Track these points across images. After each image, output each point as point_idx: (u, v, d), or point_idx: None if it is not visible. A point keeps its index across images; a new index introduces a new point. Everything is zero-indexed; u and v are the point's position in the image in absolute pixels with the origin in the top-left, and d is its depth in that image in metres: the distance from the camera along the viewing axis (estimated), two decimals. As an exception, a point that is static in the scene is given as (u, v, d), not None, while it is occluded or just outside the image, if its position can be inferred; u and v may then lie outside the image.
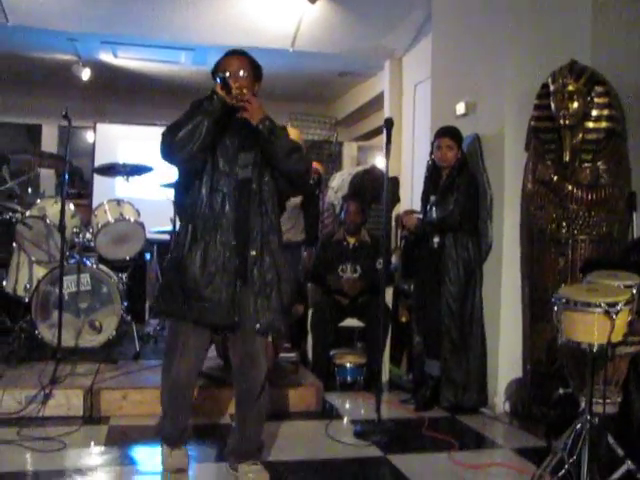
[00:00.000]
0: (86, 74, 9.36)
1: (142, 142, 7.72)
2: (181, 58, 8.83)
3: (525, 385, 4.40)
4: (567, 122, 4.17)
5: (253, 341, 3.17)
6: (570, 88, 4.13)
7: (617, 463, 3.00)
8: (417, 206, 5.30)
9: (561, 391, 3.55)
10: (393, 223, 6.62)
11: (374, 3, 6.79)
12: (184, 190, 3.25)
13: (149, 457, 3.63)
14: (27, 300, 5.18)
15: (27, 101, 10.71)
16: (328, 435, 4.07)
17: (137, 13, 6.93)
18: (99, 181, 8.05)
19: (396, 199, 7.15)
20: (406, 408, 4.70)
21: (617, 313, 2.90)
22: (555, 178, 4.24)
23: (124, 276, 5.60)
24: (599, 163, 4.19)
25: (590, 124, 4.18)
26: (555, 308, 3.11)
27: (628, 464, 2.97)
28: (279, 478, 3.42)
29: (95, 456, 3.66)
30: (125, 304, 5.34)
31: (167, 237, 6.16)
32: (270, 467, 3.38)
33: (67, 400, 4.21)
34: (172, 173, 3.35)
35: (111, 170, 5.66)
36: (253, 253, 3.12)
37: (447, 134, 4.72)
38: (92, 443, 3.84)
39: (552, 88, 4.23)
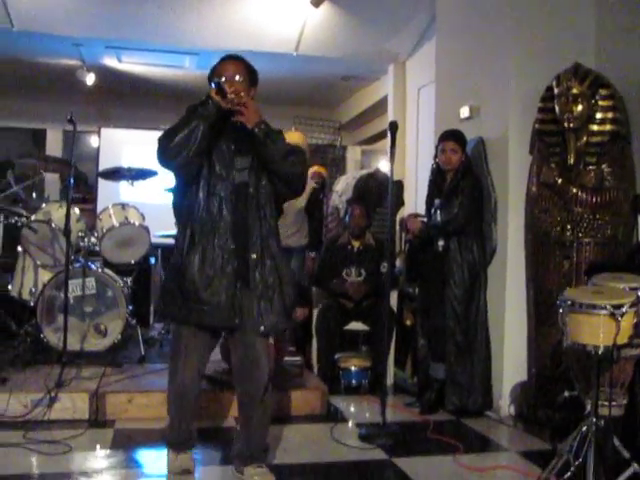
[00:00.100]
0: (90, 79, 9.38)
1: (146, 146, 7.67)
2: (185, 62, 8.85)
3: (530, 388, 4.39)
4: (571, 125, 4.17)
5: (254, 343, 3.19)
6: (574, 91, 4.13)
7: (623, 465, 3.00)
8: (421, 209, 5.31)
9: (566, 394, 3.54)
10: (397, 227, 6.61)
11: (378, 7, 6.80)
12: (182, 194, 3.28)
13: (155, 460, 3.63)
14: (32, 304, 5.20)
15: (32, 106, 10.72)
16: (333, 438, 4.07)
17: (141, 18, 6.95)
18: (104, 185, 8.06)
19: (400, 202, 7.14)
20: (411, 411, 4.71)
21: (622, 315, 2.90)
22: (559, 181, 4.24)
23: (129, 280, 5.61)
24: (603, 166, 4.19)
25: (594, 127, 4.18)
26: (560, 310, 3.12)
27: (634, 467, 2.97)
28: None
29: (101, 459, 3.66)
30: (130, 308, 5.36)
31: (172, 241, 6.14)
32: (275, 470, 3.38)
33: (73, 403, 4.22)
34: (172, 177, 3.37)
35: (116, 174, 5.67)
36: (254, 257, 3.15)
37: (451, 137, 4.72)
38: (98, 446, 3.85)
39: (556, 91, 4.24)
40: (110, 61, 9.14)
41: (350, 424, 4.46)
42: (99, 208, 6.74)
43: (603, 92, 4.18)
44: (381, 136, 10.43)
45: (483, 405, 4.63)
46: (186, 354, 3.23)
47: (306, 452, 3.87)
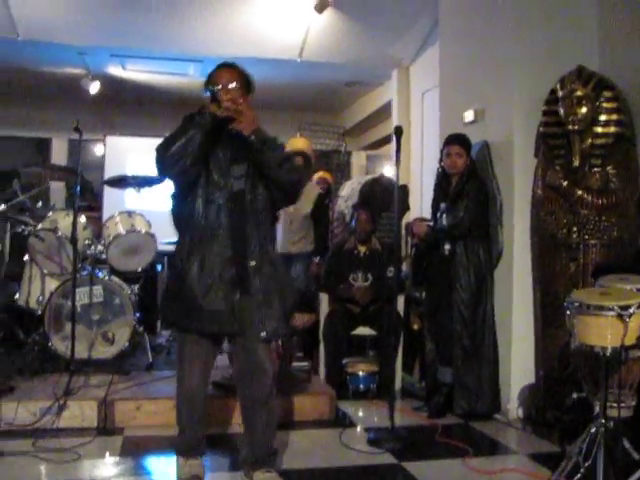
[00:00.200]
0: (95, 87, 9.42)
1: (151, 154, 7.71)
2: (189, 70, 8.88)
3: (538, 390, 4.39)
4: (576, 127, 4.18)
5: (257, 349, 3.21)
6: (578, 93, 4.15)
7: (633, 467, 3.00)
8: (427, 214, 5.31)
9: (575, 395, 3.54)
10: (403, 231, 6.62)
11: (381, 12, 6.82)
12: (180, 202, 3.31)
13: (164, 467, 3.63)
14: (40, 312, 5.21)
15: (37, 115, 10.76)
16: (342, 443, 4.07)
17: (145, 26, 6.98)
18: (109, 193, 8.08)
19: (406, 207, 7.15)
20: (419, 415, 4.70)
21: (630, 316, 2.91)
22: (565, 183, 4.24)
23: (136, 287, 5.62)
24: (608, 168, 4.19)
25: (599, 129, 4.19)
26: (568, 312, 3.12)
27: (644, 468, 2.97)
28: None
29: (110, 467, 3.67)
30: (137, 315, 5.37)
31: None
32: (285, 476, 3.39)
33: (81, 411, 4.22)
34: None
35: (121, 182, 5.69)
36: (253, 263, 3.17)
37: (456, 141, 4.73)
38: (107, 454, 3.85)
39: (560, 94, 4.25)
40: (114, 69, 9.18)
41: (359, 429, 4.46)
42: (105, 216, 6.75)
43: (607, 94, 4.19)
44: (385, 141, 10.42)
45: (491, 408, 4.63)
46: (190, 361, 3.27)
47: (315, 457, 3.87)
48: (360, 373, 5.22)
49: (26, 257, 5.41)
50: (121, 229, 5.47)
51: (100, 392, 4.38)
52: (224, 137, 3.19)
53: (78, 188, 4.75)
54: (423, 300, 5.17)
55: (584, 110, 4.14)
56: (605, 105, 4.18)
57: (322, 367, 5.40)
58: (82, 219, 5.48)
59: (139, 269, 5.57)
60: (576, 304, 3.08)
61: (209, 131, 3.10)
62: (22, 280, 5.46)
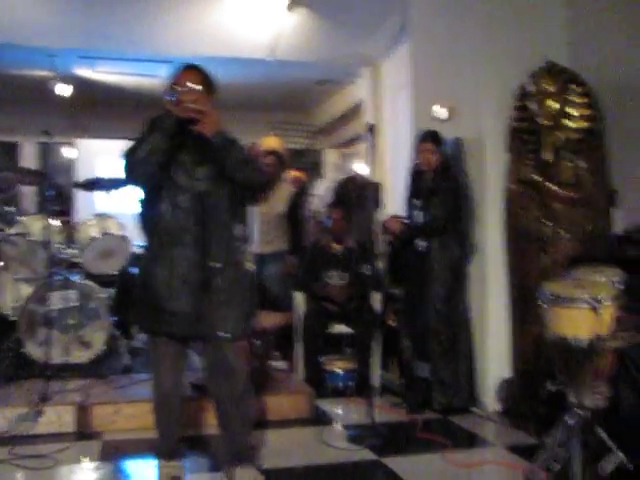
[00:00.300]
0: (64, 89, 9.33)
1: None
2: (160, 71, 8.81)
3: (514, 383, 4.44)
4: (547, 122, 4.23)
5: (223, 349, 3.24)
6: (549, 89, 4.20)
7: (608, 455, 3.04)
8: (401, 211, 5.33)
9: (550, 387, 3.58)
10: (377, 229, 6.63)
11: (351, 11, 6.83)
12: (146, 206, 3.33)
13: (144, 471, 3.62)
14: (14, 318, 5.15)
15: (5, 118, 10.62)
16: (322, 441, 4.09)
17: (115, 27, 6.92)
18: (81, 197, 8.04)
19: (380, 205, 7.17)
20: (398, 411, 4.72)
21: (603, 307, 2.95)
22: (537, 178, 4.28)
23: (111, 291, 5.59)
24: (579, 162, 4.24)
25: (569, 123, 4.23)
26: (542, 304, 3.15)
27: (619, 456, 3.01)
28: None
29: (89, 472, 3.66)
30: (113, 319, 5.33)
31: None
32: (265, 475, 3.42)
33: (58, 417, 4.18)
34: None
35: (93, 185, 5.66)
36: (216, 265, 3.19)
37: (428, 138, 4.76)
38: (85, 459, 3.83)
39: (531, 89, 4.29)
40: (84, 71, 9.10)
41: (338, 426, 4.47)
42: (76, 219, 6.71)
43: (577, 89, 4.24)
44: (358, 139, 10.45)
45: (469, 402, 4.67)
46: (163, 362, 3.30)
47: (296, 456, 3.88)
48: (338, 371, 5.23)
49: (-2, 262, 5.35)
50: (94, 232, 5.44)
51: (77, 397, 4.36)
52: (188, 139, 3.20)
53: (50, 192, 4.71)
54: (399, 297, 5.20)
55: (554, 105, 4.19)
56: (575, 100, 4.23)
57: (300, 366, 5.40)
58: (54, 223, 5.43)
59: (114, 272, 5.53)
60: (549, 296, 3.12)
61: (173, 134, 3.12)
62: (-5, 286, 5.40)
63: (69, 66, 8.82)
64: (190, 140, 3.20)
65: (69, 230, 6.15)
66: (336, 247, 5.65)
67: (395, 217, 5.11)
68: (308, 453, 3.93)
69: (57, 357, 4.91)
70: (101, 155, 8.70)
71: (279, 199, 6.18)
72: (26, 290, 5.23)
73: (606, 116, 4.36)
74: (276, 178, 6.30)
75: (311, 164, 11.10)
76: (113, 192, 5.58)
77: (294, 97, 10.63)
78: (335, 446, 4.00)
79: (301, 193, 6.92)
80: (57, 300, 5.09)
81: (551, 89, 4.19)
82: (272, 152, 6.31)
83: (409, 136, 5.63)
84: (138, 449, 3.93)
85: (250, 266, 6.37)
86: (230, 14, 6.84)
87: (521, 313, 4.37)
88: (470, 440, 4.24)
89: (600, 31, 4.48)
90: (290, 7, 6.71)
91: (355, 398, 5.02)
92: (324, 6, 6.85)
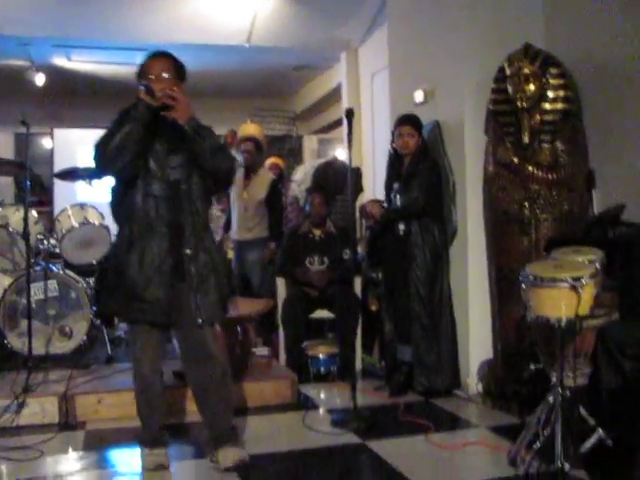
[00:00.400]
0: (40, 79, 9.25)
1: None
2: (136, 59, 8.73)
3: (496, 365, 4.47)
4: (524, 104, 4.24)
5: (198, 334, 3.28)
6: (526, 71, 4.20)
7: (589, 433, 3.07)
8: (380, 195, 5.35)
9: (532, 367, 3.62)
10: (357, 213, 6.66)
11: (327, -5, 6.82)
12: (119, 195, 3.34)
13: (128, 459, 3.62)
14: (-7, 310, 5.12)
15: (-21, 109, 10.52)
16: (306, 426, 4.10)
17: (89, 15, 6.85)
18: (60, 187, 7.99)
19: (359, 189, 7.19)
20: (381, 395, 4.75)
21: (583, 287, 2.97)
22: (515, 160, 4.30)
23: (91, 280, 5.56)
24: (557, 143, 4.27)
25: (547, 105, 4.26)
26: (523, 286, 3.18)
27: (599, 433, 3.05)
28: (261, 470, 3.45)
29: (73, 462, 3.64)
30: (94, 308, 5.31)
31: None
32: (251, 460, 3.40)
33: (41, 408, 4.17)
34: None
35: (72, 175, 5.62)
36: (188, 252, 3.22)
37: (407, 122, 4.76)
38: (70, 449, 3.82)
39: (508, 72, 4.30)
40: (59, 60, 9.02)
41: (321, 411, 4.49)
42: (56, 210, 6.66)
43: (554, 71, 4.26)
44: (337, 124, 10.44)
45: (451, 384, 4.70)
46: (142, 349, 3.32)
47: (279, 441, 3.90)
48: (320, 356, 5.25)
49: (-24, 254, 5.31)
50: (74, 222, 5.41)
51: (60, 387, 4.34)
52: (160, 128, 3.21)
53: (28, 182, 4.67)
54: (380, 281, 5.21)
55: (532, 87, 4.21)
56: (552, 82, 4.25)
57: (282, 352, 5.41)
58: (33, 214, 5.40)
59: (94, 261, 5.51)
60: (530, 277, 3.14)
61: (146, 123, 3.12)
62: (-27, 277, 5.36)
63: (44, 55, 8.74)
64: (163, 128, 3.21)
65: (48, 220, 6.12)
66: (316, 232, 5.65)
67: (374, 201, 5.13)
68: (292, 438, 3.95)
69: (39, 348, 4.89)
70: (80, 145, 8.62)
71: (259, 186, 6.17)
72: (6, 282, 5.19)
73: (583, 97, 4.38)
74: (255, 165, 6.29)
75: (290, 150, 11.08)
76: (94, 182, 5.54)
77: (272, 83, 10.60)
78: (319, 430, 4.01)
79: (280, 179, 6.92)
80: (37, 291, 5.07)
81: (528, 71, 4.21)
82: (250, 139, 6.30)
83: (387, 120, 5.63)
84: (122, 438, 3.92)
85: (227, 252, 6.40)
86: (207, 1, 6.80)
87: (502, 295, 4.40)
88: (453, 422, 4.27)
89: (577, 14, 4.49)
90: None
91: (337, 382, 5.05)
92: (300, -9, 6.84)
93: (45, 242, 5.36)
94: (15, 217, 5.29)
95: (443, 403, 4.53)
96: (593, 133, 4.35)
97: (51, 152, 9.82)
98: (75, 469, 3.52)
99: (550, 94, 4.25)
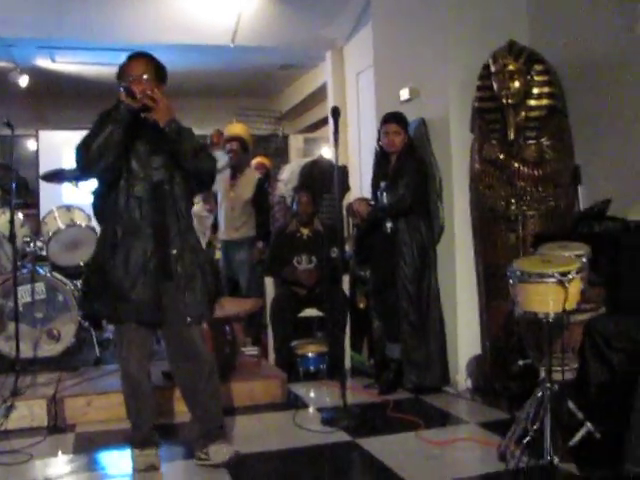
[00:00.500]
0: (24, 81, 9.19)
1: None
2: (122, 60, 8.72)
3: (485, 361, 4.49)
4: (510, 101, 4.26)
5: (186, 333, 3.32)
6: (510, 68, 4.22)
7: (577, 426, 3.10)
8: (367, 193, 5.35)
9: (520, 363, 3.64)
10: (344, 212, 6.66)
11: (311, -6, 6.83)
12: (102, 196, 3.35)
13: (118, 461, 3.61)
14: (-20, 314, 5.09)
15: (-39, 111, 10.44)
16: (296, 424, 4.10)
17: (73, 16, 6.82)
18: (46, 189, 7.94)
19: (346, 187, 7.19)
20: (370, 392, 4.76)
21: (570, 282, 3.00)
22: (501, 156, 4.32)
23: (79, 282, 5.53)
24: (543, 139, 4.29)
25: (532, 102, 4.28)
26: (510, 281, 3.20)
27: (587, 426, 3.07)
28: (252, 470, 3.46)
29: (63, 465, 3.62)
30: (81, 311, 5.28)
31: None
32: (242, 459, 3.41)
33: (30, 411, 4.14)
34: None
35: (58, 176, 5.59)
36: (174, 252, 3.26)
37: (393, 120, 4.77)
38: (59, 452, 3.80)
39: (493, 69, 4.32)
40: (43, 62, 8.98)
41: (311, 409, 4.49)
42: (42, 212, 6.64)
43: (538, 68, 4.28)
44: (322, 123, 10.45)
45: (440, 381, 4.72)
46: (128, 348, 3.33)
47: (270, 440, 3.89)
48: (309, 355, 5.25)
49: (-38, 258, 5.28)
50: (60, 224, 5.39)
51: (48, 390, 4.31)
52: (141, 129, 3.22)
53: (14, 185, 4.64)
54: (368, 279, 5.22)
55: (517, 84, 4.22)
56: (537, 78, 4.27)
57: (271, 351, 5.41)
58: (19, 216, 5.37)
59: (81, 263, 5.49)
60: (518, 273, 3.16)
61: (126, 125, 3.13)
62: (-41, 281, 5.32)
63: (28, 57, 8.69)
64: (144, 130, 3.23)
65: (35, 223, 6.09)
66: (304, 231, 5.65)
67: (361, 199, 5.13)
68: (282, 437, 3.94)
69: (26, 351, 4.87)
70: (65, 146, 8.58)
71: (245, 185, 6.17)
72: (-8, 285, 5.16)
73: (567, 93, 4.41)
74: (242, 164, 6.29)
75: (276, 150, 11.08)
76: (80, 183, 5.52)
77: (257, 83, 10.59)
78: (309, 429, 4.01)
79: (267, 179, 6.92)
80: (24, 294, 5.04)
81: (512, 68, 4.22)
82: (236, 138, 6.29)
83: (373, 118, 5.64)
84: (112, 440, 3.90)
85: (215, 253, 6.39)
86: (191, 1, 6.78)
87: (489, 291, 4.42)
88: (443, 418, 4.28)
89: (560, 10, 4.51)
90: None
91: (327, 381, 5.05)
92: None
93: (32, 244, 5.34)
94: (1, 220, 5.26)
95: (432, 400, 4.55)
96: (578, 129, 4.37)
97: (36, 154, 9.76)
98: (65, 472, 3.50)
99: (535, 90, 4.27)
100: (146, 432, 3.41)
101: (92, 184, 3.45)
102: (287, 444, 3.81)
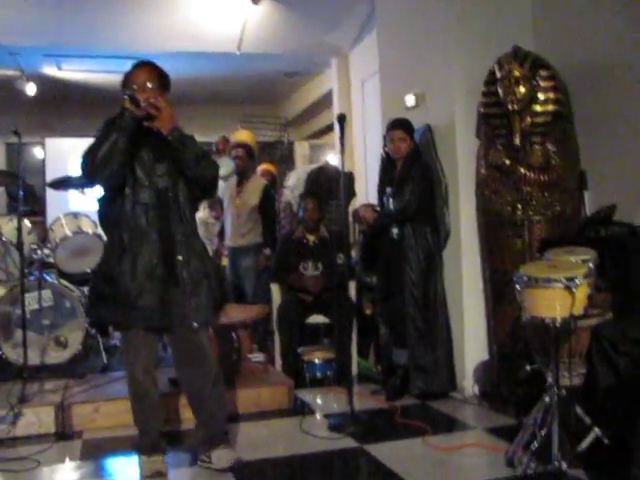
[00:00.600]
0: (31, 89, 9.22)
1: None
2: (127, 67, 8.75)
3: (492, 366, 4.48)
4: (515, 107, 4.26)
5: (192, 338, 3.35)
6: (516, 73, 4.22)
7: (585, 432, 3.09)
8: (373, 199, 5.35)
9: (528, 368, 3.64)
10: (350, 218, 6.67)
11: (317, 1, 6.83)
12: (108, 203, 3.37)
13: (126, 468, 3.61)
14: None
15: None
16: (303, 431, 4.09)
17: (79, 24, 6.85)
18: (52, 196, 7.97)
19: (352, 194, 7.21)
20: (377, 398, 4.75)
21: (577, 287, 2.99)
22: (507, 162, 4.32)
23: (86, 289, 5.55)
24: (548, 145, 4.28)
25: (537, 107, 4.27)
26: (517, 287, 3.20)
27: (595, 432, 3.06)
28: (259, 476, 3.47)
29: (71, 472, 3.63)
30: (88, 318, 5.29)
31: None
32: (248, 466, 3.43)
33: (38, 418, 4.15)
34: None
35: (65, 184, 5.61)
36: (180, 258, 3.28)
37: (399, 126, 4.78)
38: (67, 459, 3.80)
39: (498, 74, 4.32)
40: (50, 69, 9.01)
41: (318, 416, 4.49)
42: (49, 219, 6.65)
43: (543, 73, 4.28)
44: (327, 130, 10.48)
45: (447, 387, 4.71)
46: (134, 354, 3.34)
47: (277, 446, 3.89)
48: (316, 361, 5.25)
49: (-30, 265, 5.30)
50: (67, 231, 5.41)
51: (56, 397, 4.32)
52: (145, 137, 3.25)
53: (21, 192, 4.66)
54: (374, 285, 5.22)
55: (522, 90, 4.22)
56: (542, 84, 4.27)
57: (278, 357, 5.41)
58: (26, 223, 5.39)
59: (88, 270, 5.50)
60: (525, 278, 3.15)
61: (131, 133, 3.16)
62: (-33, 289, 5.34)
63: (35, 65, 8.73)
64: (148, 137, 3.25)
65: (42, 230, 6.11)
66: (310, 237, 5.66)
67: (367, 205, 5.14)
68: (289, 443, 3.94)
69: (34, 358, 4.88)
70: (71, 154, 8.61)
71: (251, 192, 6.18)
72: (0, 292, 5.18)
73: (573, 99, 4.41)
74: (247, 171, 6.30)
75: (281, 157, 11.10)
76: (86, 190, 5.54)
77: (263, 90, 10.62)
78: (316, 435, 4.01)
79: (272, 185, 6.93)
80: (31, 301, 5.06)
81: (518, 74, 4.22)
82: (242, 145, 6.31)
83: (379, 125, 5.65)
84: (119, 447, 3.91)
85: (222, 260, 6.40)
86: (197, 9, 6.81)
87: (496, 296, 4.41)
88: (450, 424, 4.28)
89: (565, 16, 4.52)
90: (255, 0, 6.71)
91: (334, 387, 5.04)
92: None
93: (39, 252, 5.36)
94: (8, 227, 5.28)
95: (439, 405, 4.54)
96: (584, 134, 4.37)
97: (43, 162, 9.81)
98: (72, 479, 3.51)
99: (540, 96, 4.27)
100: (153, 439, 3.41)
101: (98, 191, 3.47)
102: (294, 450, 3.81)
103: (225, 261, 6.45)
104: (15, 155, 6.28)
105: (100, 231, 5.51)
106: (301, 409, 4.60)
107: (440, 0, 4.83)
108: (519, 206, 4.28)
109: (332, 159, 9.16)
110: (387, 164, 4.90)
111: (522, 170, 4.27)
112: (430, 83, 4.98)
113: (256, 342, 5.72)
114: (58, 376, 4.77)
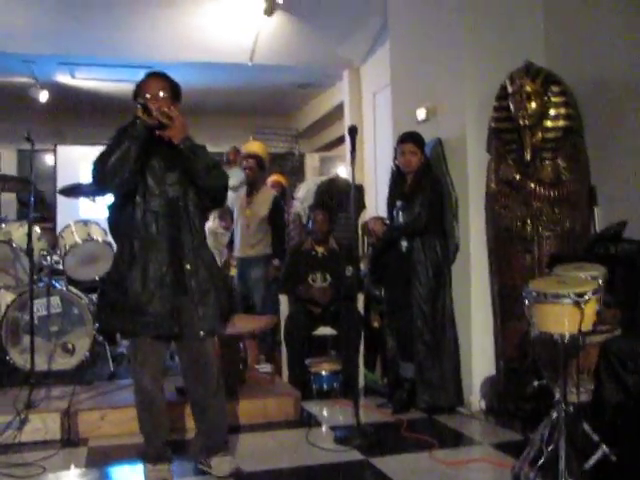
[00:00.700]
0: (44, 96, 9.29)
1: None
2: (140, 76, 8.80)
3: (499, 381, 4.46)
4: (526, 122, 4.26)
5: (199, 346, 3.38)
6: (528, 89, 4.23)
7: (593, 449, 3.07)
8: (382, 212, 5.36)
9: (535, 384, 3.62)
10: (360, 230, 6.67)
11: (330, 14, 6.86)
12: (118, 211, 3.39)
13: (131, 475, 3.61)
14: (-4, 326, 5.12)
15: (-17, 125, 10.57)
16: (309, 442, 4.08)
17: (93, 33, 6.91)
18: (63, 203, 8.01)
19: (362, 206, 7.21)
20: (384, 412, 4.74)
21: (586, 303, 2.98)
22: (518, 177, 4.32)
23: (94, 297, 5.56)
24: (559, 160, 4.29)
25: (548, 123, 4.28)
26: (526, 302, 3.19)
27: (603, 449, 3.04)
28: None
29: (75, 478, 3.65)
30: (97, 325, 5.30)
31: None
32: (254, 478, 3.42)
33: (44, 424, 4.15)
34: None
35: (75, 191, 5.64)
36: (188, 267, 3.31)
37: (409, 140, 4.78)
38: (72, 466, 3.80)
39: (510, 90, 4.33)
40: (63, 77, 9.07)
41: (324, 428, 4.48)
42: (59, 226, 6.68)
43: (555, 89, 4.28)
44: (338, 142, 10.49)
45: (454, 401, 4.69)
46: (142, 362, 3.36)
47: (283, 458, 3.89)
48: (323, 373, 5.24)
49: (-20, 270, 5.31)
50: (77, 238, 5.42)
51: (62, 404, 4.32)
52: (158, 146, 3.28)
53: (32, 198, 4.69)
54: (383, 298, 5.21)
55: (534, 105, 4.23)
56: (553, 99, 4.27)
57: (285, 368, 5.40)
58: (37, 230, 5.41)
59: (97, 278, 5.51)
60: (534, 294, 3.15)
61: (143, 141, 3.19)
62: (-24, 294, 5.36)
63: (48, 72, 8.80)
64: (159, 146, 3.28)
65: (51, 237, 6.13)
66: (319, 249, 5.66)
67: (377, 218, 5.14)
68: (295, 455, 3.94)
69: (41, 364, 4.88)
70: (82, 161, 8.66)
71: (261, 203, 6.19)
72: (9, 298, 5.19)
73: (584, 114, 4.41)
74: (258, 182, 6.32)
75: (292, 168, 11.12)
76: (97, 198, 5.56)
77: (274, 101, 10.65)
78: (322, 447, 4.00)
79: (282, 196, 6.95)
80: (40, 307, 5.07)
81: (529, 89, 4.23)
82: (253, 156, 6.33)
83: (389, 138, 5.65)
84: (124, 454, 3.92)
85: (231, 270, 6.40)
86: (210, 20, 6.86)
87: (504, 311, 4.40)
88: (456, 439, 4.25)
89: (577, 32, 4.52)
90: (268, 12, 6.74)
91: (340, 399, 5.03)
92: (303, 10, 6.88)
93: (48, 258, 5.37)
94: (18, 233, 5.30)
95: (446, 420, 4.52)
96: (594, 150, 4.37)
97: (54, 169, 9.85)
98: (77, 486, 3.52)
99: (552, 112, 4.27)
100: (159, 447, 3.41)
101: (109, 199, 3.49)
102: (300, 462, 3.80)
103: (233, 271, 6.46)
104: (27, 161, 6.32)
105: (110, 239, 5.52)
106: (307, 421, 4.59)
107: (453, 14, 4.85)
108: (529, 221, 4.28)
109: (342, 171, 9.17)
110: (397, 177, 4.90)
111: (532, 185, 4.27)
112: (441, 97, 4.99)
113: (264, 353, 5.72)
114: (65, 382, 4.77)
